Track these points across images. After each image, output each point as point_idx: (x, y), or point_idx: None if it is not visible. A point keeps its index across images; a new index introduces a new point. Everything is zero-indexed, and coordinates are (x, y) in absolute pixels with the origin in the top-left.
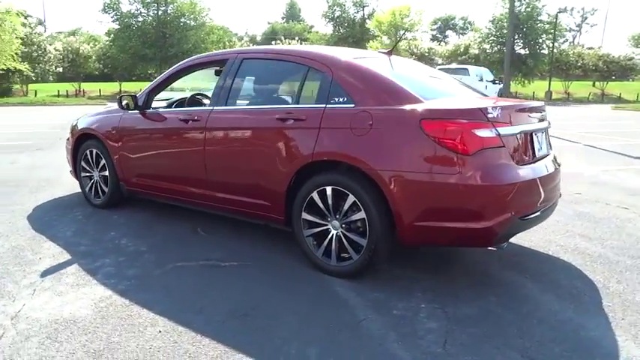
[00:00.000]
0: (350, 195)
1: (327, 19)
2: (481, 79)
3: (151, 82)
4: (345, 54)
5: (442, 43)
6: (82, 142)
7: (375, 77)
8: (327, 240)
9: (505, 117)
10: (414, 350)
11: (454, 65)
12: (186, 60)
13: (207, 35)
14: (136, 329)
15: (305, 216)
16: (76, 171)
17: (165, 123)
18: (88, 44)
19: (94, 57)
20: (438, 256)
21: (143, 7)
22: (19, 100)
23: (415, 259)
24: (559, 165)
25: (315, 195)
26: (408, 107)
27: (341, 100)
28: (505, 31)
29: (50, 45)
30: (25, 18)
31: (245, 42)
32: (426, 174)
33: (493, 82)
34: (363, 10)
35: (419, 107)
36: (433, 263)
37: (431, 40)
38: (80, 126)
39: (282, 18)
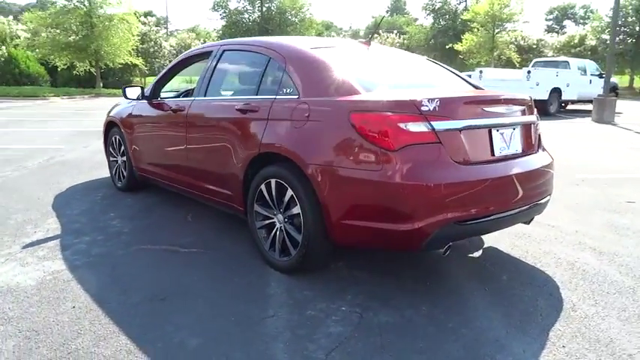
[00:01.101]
0: (289, 189)
1: (428, 11)
2: (584, 73)
3: (159, 74)
4: (303, 43)
5: (556, 34)
6: (109, 129)
7: (320, 68)
8: (273, 233)
9: (446, 110)
10: (294, 354)
11: (553, 57)
12: (184, 53)
13: (307, 30)
14: (56, 303)
15: (256, 208)
16: (107, 156)
17: (160, 112)
18: (199, 40)
19: None
20: (409, 260)
21: (249, 4)
22: None
23: (378, 260)
24: (547, 166)
25: (263, 187)
26: (341, 99)
27: (288, 91)
28: (631, 19)
29: (166, 41)
30: (145, 17)
31: (343, 36)
32: (351, 169)
33: (600, 75)
34: (465, 1)
35: (353, 99)
36: (394, 267)
37: (545, 31)
38: (110, 114)
39: (387, 11)
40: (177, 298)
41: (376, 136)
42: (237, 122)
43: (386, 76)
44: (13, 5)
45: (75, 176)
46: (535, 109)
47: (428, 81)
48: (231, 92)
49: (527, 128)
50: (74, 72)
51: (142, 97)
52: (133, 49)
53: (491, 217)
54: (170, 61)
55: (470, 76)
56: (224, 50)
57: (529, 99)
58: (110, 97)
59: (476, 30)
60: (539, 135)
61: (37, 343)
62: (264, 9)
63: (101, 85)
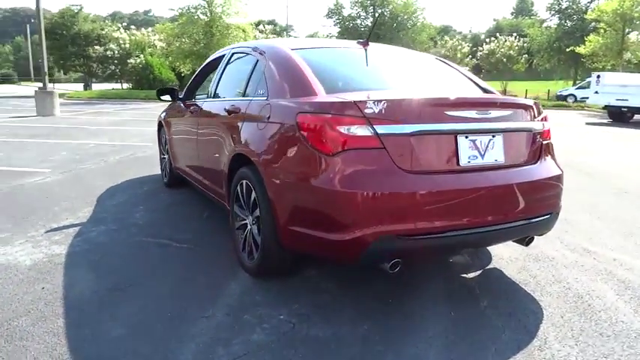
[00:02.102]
0: (253, 191)
1: (552, 12)
2: None
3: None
4: (286, 44)
5: None
6: (160, 128)
7: (288, 69)
8: (244, 235)
9: (394, 113)
10: (198, 356)
11: None
12: (210, 57)
13: (419, 35)
14: (31, 282)
15: (235, 208)
16: (159, 153)
17: (183, 113)
18: None
19: None
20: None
21: (362, 10)
22: None
23: (355, 271)
24: (549, 179)
25: (238, 188)
26: (293, 100)
27: (261, 92)
28: None
29: None
30: (264, 25)
31: (457, 40)
32: (294, 173)
33: None
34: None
35: (302, 100)
36: (370, 279)
37: None
38: (160, 115)
39: (512, 13)
40: (135, 289)
41: (315, 139)
42: (225, 123)
43: (363, 78)
44: (160, 18)
45: (139, 171)
46: (540, 115)
47: (413, 83)
48: (228, 94)
49: (517, 136)
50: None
51: (174, 98)
52: None
53: (451, 234)
54: None
55: (587, 82)
56: (233, 53)
57: (526, 103)
58: None
59: (602, 31)
60: (546, 144)
61: None
62: (377, 14)
63: None
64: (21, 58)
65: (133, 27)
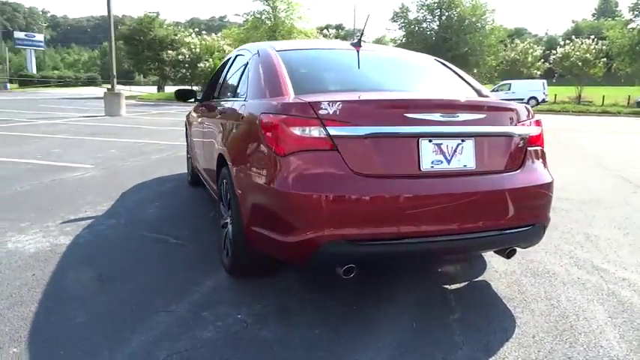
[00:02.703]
0: (229, 190)
1: (636, 12)
2: None
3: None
4: (274, 45)
5: None
6: (186, 129)
7: (266, 70)
8: (224, 233)
9: (349, 114)
10: (140, 349)
11: None
12: (225, 58)
13: (486, 38)
14: (25, 269)
15: (220, 207)
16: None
17: (198, 114)
18: None
19: None
20: (369, 280)
21: (429, 13)
22: None
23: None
24: (532, 187)
25: (222, 187)
26: (262, 100)
27: (242, 93)
28: None
29: None
30: (327, 30)
31: (529, 43)
32: (255, 173)
33: None
34: None
35: (267, 100)
36: (348, 285)
37: None
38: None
39: (593, 15)
40: (115, 281)
41: (271, 140)
42: (217, 124)
43: (341, 79)
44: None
45: (171, 169)
46: (527, 119)
47: (395, 84)
48: (225, 95)
49: (493, 141)
50: None
51: (186, 99)
52: None
53: (408, 242)
54: None
55: None
56: (236, 55)
57: (504, 106)
58: None
59: None
60: (534, 150)
61: None
62: (444, 17)
63: None
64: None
65: (204, 32)
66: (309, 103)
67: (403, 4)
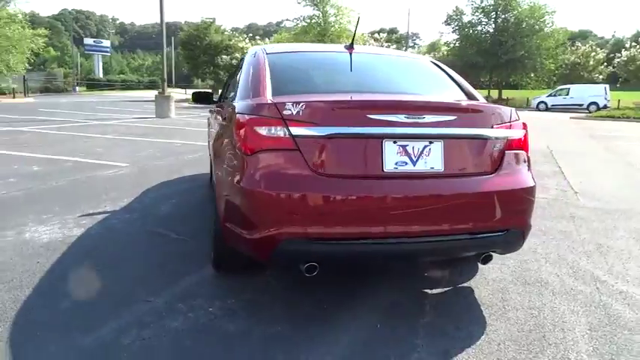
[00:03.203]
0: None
1: None
2: None
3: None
4: (266, 48)
5: None
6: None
7: (251, 73)
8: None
9: (311, 115)
10: (108, 335)
11: None
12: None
13: (544, 41)
14: (33, 257)
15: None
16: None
17: (212, 114)
18: (429, 53)
19: None
20: (352, 281)
21: (484, 16)
22: None
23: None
24: (506, 192)
25: (212, 185)
26: (242, 101)
27: (234, 94)
28: None
29: None
30: (378, 34)
31: (591, 46)
32: (228, 172)
33: None
34: None
35: (245, 101)
36: (326, 284)
37: None
38: None
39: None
40: (106, 271)
41: (240, 139)
42: (213, 124)
43: (323, 81)
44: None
45: (198, 169)
46: (507, 122)
47: (376, 86)
48: (229, 96)
49: (465, 143)
50: None
51: (205, 102)
52: None
53: (370, 242)
54: None
55: None
56: (242, 57)
57: (478, 108)
58: None
59: None
60: (514, 154)
61: None
62: (500, 20)
63: None
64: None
65: (257, 37)
66: (274, 103)
67: (457, 6)
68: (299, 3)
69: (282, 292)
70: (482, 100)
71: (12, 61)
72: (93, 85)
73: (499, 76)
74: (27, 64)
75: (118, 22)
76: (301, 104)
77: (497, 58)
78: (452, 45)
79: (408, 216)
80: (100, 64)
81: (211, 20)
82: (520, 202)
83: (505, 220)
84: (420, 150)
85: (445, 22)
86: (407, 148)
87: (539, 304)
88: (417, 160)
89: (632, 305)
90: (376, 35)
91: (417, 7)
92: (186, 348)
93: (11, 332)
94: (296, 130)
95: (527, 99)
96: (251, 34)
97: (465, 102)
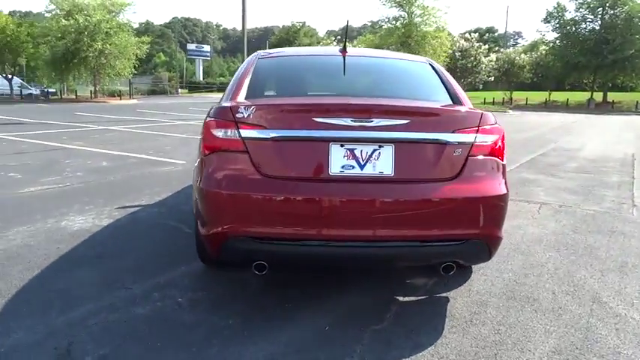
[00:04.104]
0: None
1: None
2: None
3: None
4: (260, 52)
5: None
6: None
7: (236, 76)
8: None
9: (260, 118)
10: (86, 318)
11: None
12: None
13: None
14: (57, 242)
15: None
16: None
17: None
18: (526, 54)
19: (527, 66)
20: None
21: (589, 12)
22: None
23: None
24: (467, 200)
25: None
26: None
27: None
28: None
29: (485, 57)
30: (469, 34)
31: None
32: (194, 171)
33: None
34: None
35: (217, 105)
36: (303, 284)
37: None
38: None
39: None
40: (108, 259)
41: (202, 140)
42: None
43: (302, 85)
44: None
45: None
46: (472, 126)
47: (358, 90)
48: None
49: (420, 147)
50: None
51: None
52: (444, 65)
53: (313, 244)
54: (488, 76)
55: None
56: None
57: (436, 112)
58: None
59: None
60: (481, 159)
61: (8, 260)
62: (607, 16)
63: None
64: None
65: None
66: (229, 107)
67: (559, 3)
68: (384, 4)
69: (255, 288)
70: (467, 105)
71: (119, 66)
72: (193, 87)
73: (604, 77)
74: (134, 69)
75: (221, 27)
76: (252, 107)
77: (602, 57)
78: (551, 44)
79: (354, 220)
80: (201, 67)
81: (301, 24)
82: (483, 211)
83: (463, 229)
84: (369, 154)
85: (544, 19)
86: (355, 151)
87: (512, 321)
88: (364, 164)
89: (621, 330)
90: (467, 35)
91: (519, 4)
92: (136, 333)
93: (5, 306)
94: (245, 133)
95: (638, 102)
96: (339, 37)
97: (422, 105)
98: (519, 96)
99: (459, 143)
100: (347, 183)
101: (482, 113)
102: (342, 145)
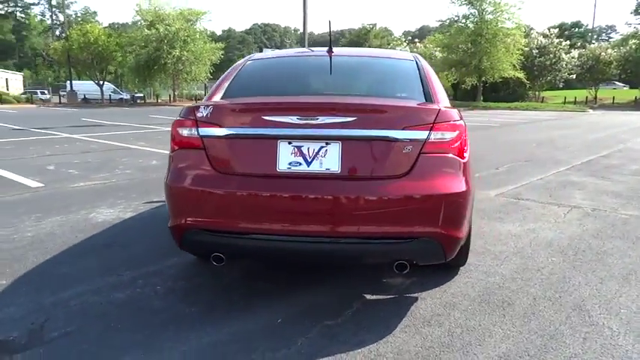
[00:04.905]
0: None
1: None
2: None
3: None
4: (255, 54)
5: None
6: None
7: (219, 79)
8: None
9: (216, 117)
10: (74, 300)
11: None
12: None
13: None
14: (80, 231)
15: None
16: None
17: None
18: (613, 49)
19: (614, 62)
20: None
21: None
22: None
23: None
24: (418, 198)
25: None
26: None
27: None
28: None
29: (566, 54)
30: (548, 30)
31: None
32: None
33: None
34: None
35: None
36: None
37: None
38: None
39: None
40: (114, 248)
41: (170, 139)
42: None
43: (279, 85)
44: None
45: None
46: (426, 122)
47: (331, 88)
48: None
49: (367, 144)
50: (462, 86)
51: None
52: (517, 63)
53: (261, 238)
54: (569, 74)
55: None
56: None
57: (387, 109)
58: (484, 110)
59: None
60: (436, 157)
61: (30, 246)
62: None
63: (481, 98)
64: None
65: (416, 40)
66: (193, 107)
67: None
68: (453, 2)
69: (232, 280)
70: (441, 103)
71: (195, 71)
72: None
73: None
74: (210, 74)
75: (299, 32)
76: (210, 107)
77: None
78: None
79: (300, 216)
80: None
81: (371, 26)
82: (433, 209)
83: (410, 227)
84: (316, 151)
85: (634, 11)
86: (302, 149)
87: (472, 325)
88: (311, 161)
89: (588, 340)
90: (545, 31)
91: None
92: (106, 314)
93: (10, 284)
94: (203, 131)
95: None
96: (410, 37)
97: (370, 102)
98: (605, 94)
99: (410, 140)
100: (294, 179)
101: (439, 110)
102: (289, 143)
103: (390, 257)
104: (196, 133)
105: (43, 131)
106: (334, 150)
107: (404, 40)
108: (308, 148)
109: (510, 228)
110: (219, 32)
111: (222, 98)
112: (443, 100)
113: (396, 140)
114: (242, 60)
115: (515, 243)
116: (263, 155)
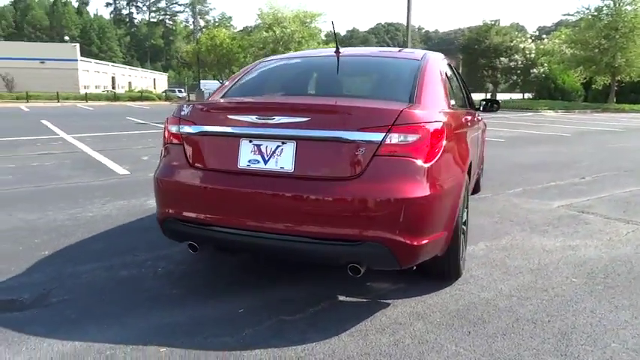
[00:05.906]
0: None
1: None
2: None
3: None
4: (270, 56)
5: None
6: None
7: (229, 79)
8: None
9: (193, 115)
10: (73, 266)
11: None
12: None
13: None
14: (108, 217)
15: None
16: None
17: None
18: None
19: None
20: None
21: None
22: None
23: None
24: (365, 201)
25: None
26: None
27: None
28: None
29: None
30: None
31: None
32: None
33: None
34: None
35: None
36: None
37: None
38: None
39: None
40: (149, 232)
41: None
42: None
43: (267, 87)
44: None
45: None
46: (383, 124)
47: (323, 90)
48: None
49: (320, 145)
50: (593, 86)
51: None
52: None
53: (220, 230)
54: None
55: None
56: None
57: (342, 110)
58: (615, 113)
59: None
60: (385, 158)
61: (85, 225)
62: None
63: (614, 100)
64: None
65: (544, 36)
66: (180, 105)
67: None
68: None
69: (228, 269)
70: (427, 107)
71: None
72: None
73: None
74: None
75: (423, 30)
76: (190, 106)
77: None
78: None
79: (256, 211)
80: None
81: (493, 22)
82: (383, 213)
83: (358, 230)
84: (273, 150)
85: None
86: (261, 147)
87: (427, 338)
88: (268, 160)
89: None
90: None
91: None
92: (103, 288)
93: (26, 256)
94: (183, 129)
95: None
96: (537, 33)
97: (325, 102)
98: None
99: (365, 142)
100: (251, 176)
101: (401, 111)
102: (250, 141)
103: (341, 259)
104: (178, 130)
105: (160, 125)
106: (289, 149)
107: (529, 36)
108: (266, 147)
109: (547, 243)
110: (343, 32)
111: (221, 98)
112: (430, 102)
113: (349, 141)
114: (256, 62)
115: (541, 259)
116: (227, 152)
